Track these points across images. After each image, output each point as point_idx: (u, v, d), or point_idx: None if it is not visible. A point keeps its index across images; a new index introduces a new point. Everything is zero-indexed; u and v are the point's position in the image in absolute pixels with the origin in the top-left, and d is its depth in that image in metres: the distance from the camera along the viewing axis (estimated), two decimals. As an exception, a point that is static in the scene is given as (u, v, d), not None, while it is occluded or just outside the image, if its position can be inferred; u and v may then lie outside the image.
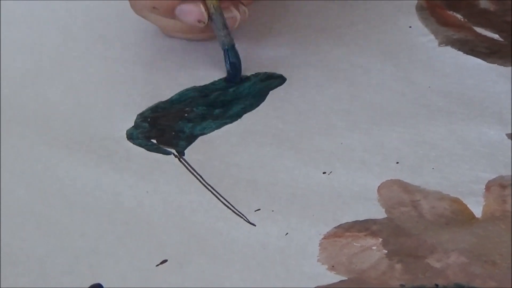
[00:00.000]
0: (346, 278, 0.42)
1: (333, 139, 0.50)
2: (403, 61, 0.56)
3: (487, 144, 0.49)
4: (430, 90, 0.54)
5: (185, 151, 0.50)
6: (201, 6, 0.53)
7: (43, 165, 0.49)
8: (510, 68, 0.55)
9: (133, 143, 0.51)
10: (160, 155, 0.50)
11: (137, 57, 0.58)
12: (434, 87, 0.54)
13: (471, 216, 0.45)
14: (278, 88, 0.55)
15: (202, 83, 0.55)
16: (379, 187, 0.47)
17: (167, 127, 0.52)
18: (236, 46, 0.55)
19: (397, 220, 0.45)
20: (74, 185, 0.48)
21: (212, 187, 0.47)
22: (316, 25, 0.60)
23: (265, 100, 0.54)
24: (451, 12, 0.60)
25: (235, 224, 0.45)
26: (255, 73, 0.56)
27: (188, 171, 0.48)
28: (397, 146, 0.49)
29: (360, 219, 0.45)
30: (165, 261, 0.43)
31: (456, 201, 0.46)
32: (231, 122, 0.52)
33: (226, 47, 0.55)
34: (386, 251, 0.43)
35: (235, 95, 0.54)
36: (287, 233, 0.44)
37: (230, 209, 0.46)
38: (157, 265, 0.43)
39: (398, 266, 0.42)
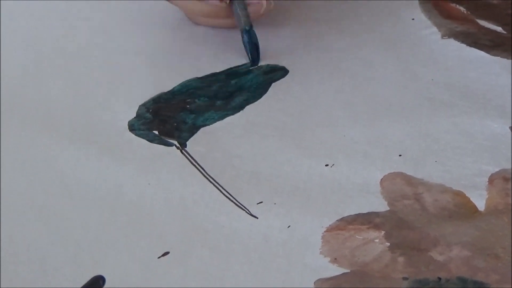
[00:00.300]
0: (349, 271, 0.42)
1: (336, 131, 0.50)
2: (405, 53, 0.56)
3: (490, 137, 0.49)
4: (433, 83, 0.54)
5: (187, 143, 0.50)
6: None
7: (45, 157, 0.49)
8: (513, 61, 0.55)
9: (135, 134, 0.50)
10: (162, 146, 0.49)
11: (138, 48, 0.58)
12: (437, 79, 0.54)
13: (474, 209, 0.45)
14: (281, 80, 0.54)
15: (204, 74, 0.55)
16: (381, 179, 0.47)
17: (169, 118, 0.51)
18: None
19: (400, 213, 0.44)
20: (76, 176, 0.48)
21: (214, 179, 0.47)
22: (319, 18, 0.60)
23: (268, 92, 0.53)
24: (454, 5, 0.60)
25: (237, 216, 0.45)
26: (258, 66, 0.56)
27: (190, 163, 0.48)
28: (400, 138, 0.49)
29: (363, 212, 0.45)
30: (167, 253, 0.43)
31: (459, 194, 0.45)
32: (233, 114, 0.52)
33: (247, 27, 0.55)
34: (389, 244, 0.43)
35: (237, 86, 0.54)
36: (289, 226, 0.44)
37: (232, 201, 0.46)
38: (159, 257, 0.43)
39: (401, 259, 0.42)
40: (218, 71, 0.55)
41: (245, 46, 0.55)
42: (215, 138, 0.50)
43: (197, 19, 0.59)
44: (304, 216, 0.45)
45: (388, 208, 0.45)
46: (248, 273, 0.42)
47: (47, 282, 0.42)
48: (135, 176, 0.47)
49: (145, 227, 0.45)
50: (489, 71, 0.54)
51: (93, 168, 0.48)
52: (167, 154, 0.49)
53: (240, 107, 0.52)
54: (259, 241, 0.43)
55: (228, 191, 0.46)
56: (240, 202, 0.46)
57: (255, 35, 0.55)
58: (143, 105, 0.52)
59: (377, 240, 0.43)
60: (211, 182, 0.47)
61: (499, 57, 0.55)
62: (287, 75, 0.55)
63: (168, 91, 0.54)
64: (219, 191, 0.46)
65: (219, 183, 0.47)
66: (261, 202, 0.46)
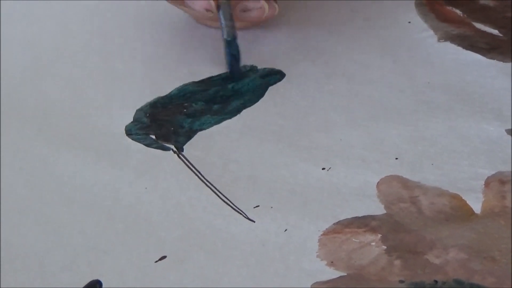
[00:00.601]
0: (345, 274, 0.42)
1: (333, 135, 0.50)
2: (402, 57, 0.56)
3: (487, 140, 0.49)
4: (429, 86, 0.54)
5: (184, 147, 0.50)
6: None
7: (42, 161, 0.49)
8: (510, 64, 0.55)
9: (132, 139, 0.50)
10: (159, 151, 0.50)
11: (136, 53, 0.58)
12: (434, 83, 0.54)
13: (471, 212, 0.45)
14: (278, 84, 0.54)
15: (201, 78, 0.55)
16: (378, 183, 0.47)
17: (166, 122, 0.51)
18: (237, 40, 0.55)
19: (396, 216, 0.44)
20: (73, 181, 0.48)
21: (211, 183, 0.47)
22: (316, 21, 0.60)
23: (265, 96, 0.53)
24: (450, 8, 0.60)
25: (234, 220, 0.45)
26: (254, 68, 0.55)
27: (187, 167, 0.48)
28: (396, 142, 0.49)
29: (359, 215, 0.45)
30: (164, 257, 0.43)
31: (456, 197, 0.45)
32: (230, 118, 0.52)
33: (229, 38, 0.54)
34: (385, 247, 0.43)
35: (234, 90, 0.54)
36: (286, 229, 0.44)
37: (229, 205, 0.46)
38: (156, 261, 0.43)
39: (397, 262, 0.42)
40: (214, 75, 0.55)
41: (225, 57, 0.55)
42: (212, 142, 0.50)
43: (205, 22, 0.59)
44: (301, 220, 0.45)
45: (384, 212, 0.45)
46: (245, 277, 0.42)
47: (45, 286, 0.42)
48: (132, 180, 0.48)
49: (142, 231, 0.45)
50: (485, 74, 0.54)
51: (90, 172, 0.48)
52: (164, 159, 0.49)
53: (237, 111, 0.52)
54: (256, 245, 0.44)
55: (225, 195, 0.46)
56: (237, 206, 0.46)
57: (237, 47, 0.54)
58: (140, 109, 0.53)
59: (373, 243, 0.43)
60: (208, 186, 0.47)
61: (495, 60, 0.55)
62: (284, 79, 0.55)
63: (165, 96, 0.54)
64: (216, 195, 0.46)
65: (216, 187, 0.47)
66: (258, 206, 0.46)
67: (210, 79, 0.55)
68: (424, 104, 0.52)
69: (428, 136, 0.50)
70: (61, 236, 0.44)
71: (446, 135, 0.50)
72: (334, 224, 0.44)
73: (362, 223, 0.44)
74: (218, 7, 0.54)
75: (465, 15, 0.59)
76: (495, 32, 0.58)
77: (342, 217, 0.45)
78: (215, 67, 0.56)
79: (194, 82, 0.55)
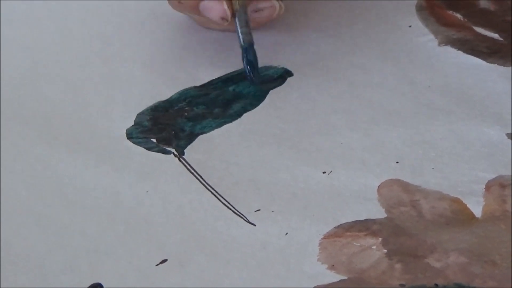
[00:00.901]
0: (346, 278, 0.42)
1: (333, 138, 0.50)
2: (403, 60, 0.56)
3: (487, 143, 0.49)
4: (430, 90, 0.54)
5: (185, 151, 0.50)
6: (224, 3, 0.53)
7: (43, 164, 0.49)
8: (510, 68, 0.55)
9: (133, 142, 0.50)
10: (160, 154, 0.50)
11: (137, 56, 0.58)
12: (434, 86, 0.54)
13: (471, 216, 0.45)
14: (278, 87, 0.54)
15: (202, 82, 0.55)
16: (379, 186, 0.47)
17: (167, 126, 0.51)
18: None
19: (397, 220, 0.44)
20: (74, 184, 0.48)
21: (212, 187, 0.47)
22: (316, 25, 0.60)
23: (265, 100, 0.53)
24: (450, 12, 0.60)
25: (235, 223, 0.45)
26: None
27: (188, 171, 0.48)
28: (397, 145, 0.49)
29: (360, 219, 0.45)
30: (165, 260, 0.43)
31: (456, 201, 0.45)
32: (231, 121, 0.52)
33: (246, 45, 0.54)
34: (386, 251, 0.43)
35: (235, 94, 0.54)
36: (287, 233, 0.44)
37: (230, 209, 0.46)
38: (157, 265, 0.43)
39: (398, 266, 0.42)
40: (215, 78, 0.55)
41: (243, 64, 0.55)
42: (213, 146, 0.50)
43: (210, 26, 0.58)
44: (302, 223, 0.45)
45: (385, 215, 0.45)
46: (246, 280, 0.42)
47: (45, 289, 0.42)
48: (133, 184, 0.48)
49: (143, 234, 0.45)
50: (486, 78, 0.54)
51: (91, 175, 0.48)
52: (165, 162, 0.49)
53: (238, 115, 0.52)
54: (257, 248, 0.44)
55: (226, 198, 0.46)
56: (238, 210, 0.46)
57: (254, 53, 0.54)
58: (141, 113, 0.53)
59: (374, 247, 0.43)
60: (209, 189, 0.47)
61: (496, 64, 0.55)
62: (285, 83, 0.55)
63: (166, 100, 0.54)
64: (217, 199, 0.46)
65: (217, 190, 0.47)
66: (259, 209, 0.46)
67: (211, 83, 0.55)
68: (424, 108, 0.52)
69: (428, 140, 0.50)
70: (62, 238, 0.44)
71: (446, 139, 0.50)
72: (335, 227, 0.44)
73: (363, 226, 0.44)
74: (233, 14, 0.54)
75: (465, 19, 0.60)
76: (496, 36, 0.58)
77: (343, 221, 0.45)
78: (216, 71, 0.56)
79: (195, 87, 0.55)
